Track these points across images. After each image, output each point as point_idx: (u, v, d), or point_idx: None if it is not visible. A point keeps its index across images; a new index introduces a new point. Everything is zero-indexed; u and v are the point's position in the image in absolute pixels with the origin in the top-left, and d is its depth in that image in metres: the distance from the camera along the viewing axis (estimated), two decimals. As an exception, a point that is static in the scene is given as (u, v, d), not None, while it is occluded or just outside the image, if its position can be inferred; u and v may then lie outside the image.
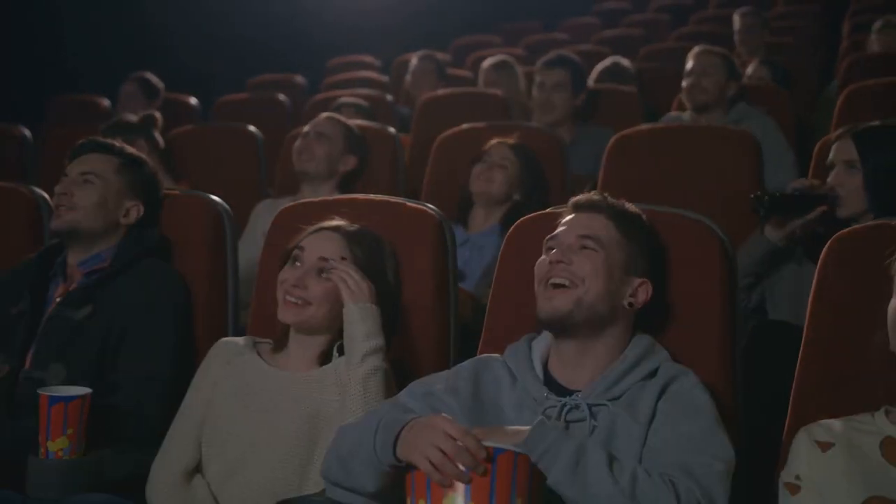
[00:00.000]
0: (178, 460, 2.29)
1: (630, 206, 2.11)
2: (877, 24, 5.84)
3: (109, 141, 2.76)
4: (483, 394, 2.03)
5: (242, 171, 4.15)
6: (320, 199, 2.61)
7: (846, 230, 2.05)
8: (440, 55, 6.33)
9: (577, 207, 2.11)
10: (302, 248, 2.32)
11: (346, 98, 5.05)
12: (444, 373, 2.12)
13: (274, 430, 2.24)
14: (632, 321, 2.06)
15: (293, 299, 2.28)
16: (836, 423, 1.86)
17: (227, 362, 2.33)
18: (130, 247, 2.62)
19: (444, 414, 1.93)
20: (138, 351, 2.50)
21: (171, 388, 2.49)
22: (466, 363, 2.12)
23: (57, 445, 2.20)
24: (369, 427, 1.87)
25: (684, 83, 4.33)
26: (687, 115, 4.34)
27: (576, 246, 2.03)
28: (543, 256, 2.07)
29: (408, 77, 6.04)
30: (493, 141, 3.61)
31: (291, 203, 2.62)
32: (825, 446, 1.82)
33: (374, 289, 2.29)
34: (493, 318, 2.30)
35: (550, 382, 2.03)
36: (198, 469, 2.30)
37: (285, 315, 2.29)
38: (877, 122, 2.97)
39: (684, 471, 1.80)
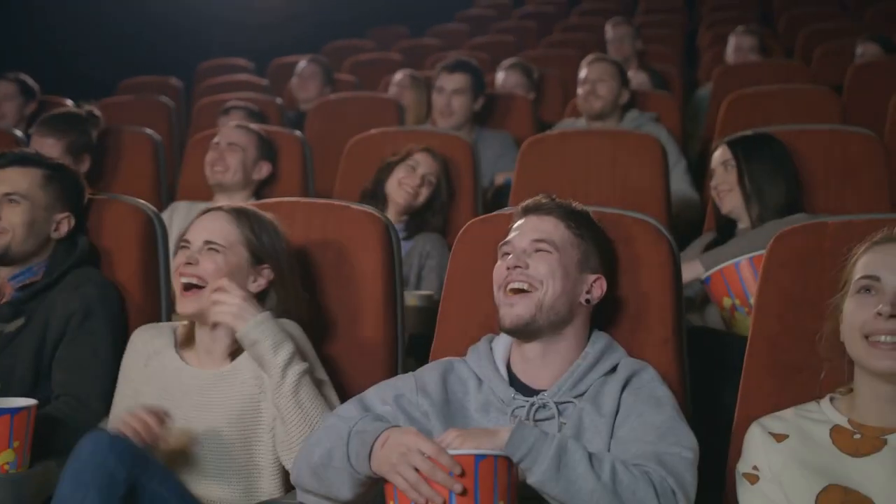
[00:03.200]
0: None
1: (577, 205, 2.17)
2: (738, 29, 6.14)
3: (26, 151, 2.65)
4: (451, 395, 2.07)
5: (139, 177, 4.04)
6: (261, 202, 2.60)
7: (787, 228, 2.17)
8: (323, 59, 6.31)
9: (527, 211, 2.15)
10: (187, 239, 2.28)
11: (236, 101, 4.98)
12: (407, 375, 2.14)
13: (206, 433, 2.21)
14: (589, 317, 2.12)
15: (187, 279, 2.23)
16: (786, 414, 1.95)
17: (146, 365, 2.30)
18: (62, 258, 2.55)
19: (415, 423, 1.99)
20: (75, 360, 2.45)
21: (110, 395, 2.43)
22: (429, 366, 2.14)
23: (3, 459, 2.14)
24: (340, 435, 1.89)
25: (580, 90, 4.45)
26: (582, 122, 4.47)
27: (530, 249, 2.07)
28: (500, 262, 2.11)
29: (294, 80, 6.00)
30: (421, 153, 3.57)
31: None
32: (780, 438, 1.91)
33: (272, 269, 2.28)
34: (444, 320, 2.33)
35: (514, 382, 2.07)
36: None
37: (184, 306, 2.24)
38: (747, 132, 3.23)
39: (656, 460, 1.87)
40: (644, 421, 1.95)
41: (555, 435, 1.84)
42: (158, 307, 2.63)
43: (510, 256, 2.09)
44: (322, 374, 2.24)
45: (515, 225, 2.14)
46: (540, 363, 2.07)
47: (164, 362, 2.29)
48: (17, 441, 2.14)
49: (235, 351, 2.27)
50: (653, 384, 2.02)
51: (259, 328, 2.14)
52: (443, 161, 3.58)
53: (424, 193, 3.54)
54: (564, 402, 2.01)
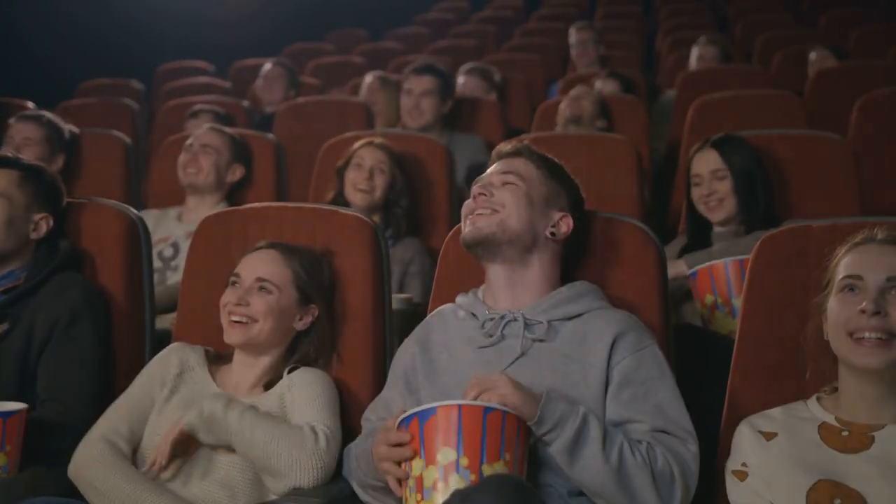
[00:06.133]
0: (105, 434, 2.25)
1: (552, 157, 2.25)
2: (701, 39, 6.22)
3: (1, 153, 2.65)
4: (432, 344, 2.16)
5: (110, 180, 4.01)
6: (248, 206, 2.60)
7: (773, 232, 2.22)
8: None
9: (501, 155, 2.24)
10: (238, 274, 2.32)
11: (203, 105, 4.96)
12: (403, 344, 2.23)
13: (226, 456, 2.21)
14: (558, 256, 2.18)
15: (237, 318, 2.27)
16: (774, 413, 2.00)
17: (180, 375, 2.31)
18: (44, 262, 2.54)
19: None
20: (61, 365, 2.43)
21: (96, 399, 2.43)
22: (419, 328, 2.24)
23: (-5, 463, 2.13)
24: (354, 457, 2.10)
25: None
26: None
27: (498, 182, 2.16)
28: (469, 199, 2.19)
29: (259, 82, 5.98)
30: (363, 148, 3.51)
31: (222, 210, 2.59)
32: (769, 436, 1.96)
33: (318, 307, 2.34)
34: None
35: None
36: (125, 452, 2.25)
37: (232, 336, 2.28)
38: (726, 133, 3.23)
39: (663, 445, 1.95)
40: (648, 395, 2.00)
41: (579, 409, 1.91)
42: (143, 311, 2.62)
43: (477, 188, 2.17)
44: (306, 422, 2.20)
45: (490, 168, 2.23)
46: (507, 291, 2.13)
47: (196, 378, 2.31)
48: (9, 445, 2.14)
49: (269, 382, 2.30)
50: (654, 349, 2.06)
51: (199, 426, 2.15)
52: (390, 150, 3.51)
53: (380, 185, 3.46)
54: (535, 322, 2.08)
